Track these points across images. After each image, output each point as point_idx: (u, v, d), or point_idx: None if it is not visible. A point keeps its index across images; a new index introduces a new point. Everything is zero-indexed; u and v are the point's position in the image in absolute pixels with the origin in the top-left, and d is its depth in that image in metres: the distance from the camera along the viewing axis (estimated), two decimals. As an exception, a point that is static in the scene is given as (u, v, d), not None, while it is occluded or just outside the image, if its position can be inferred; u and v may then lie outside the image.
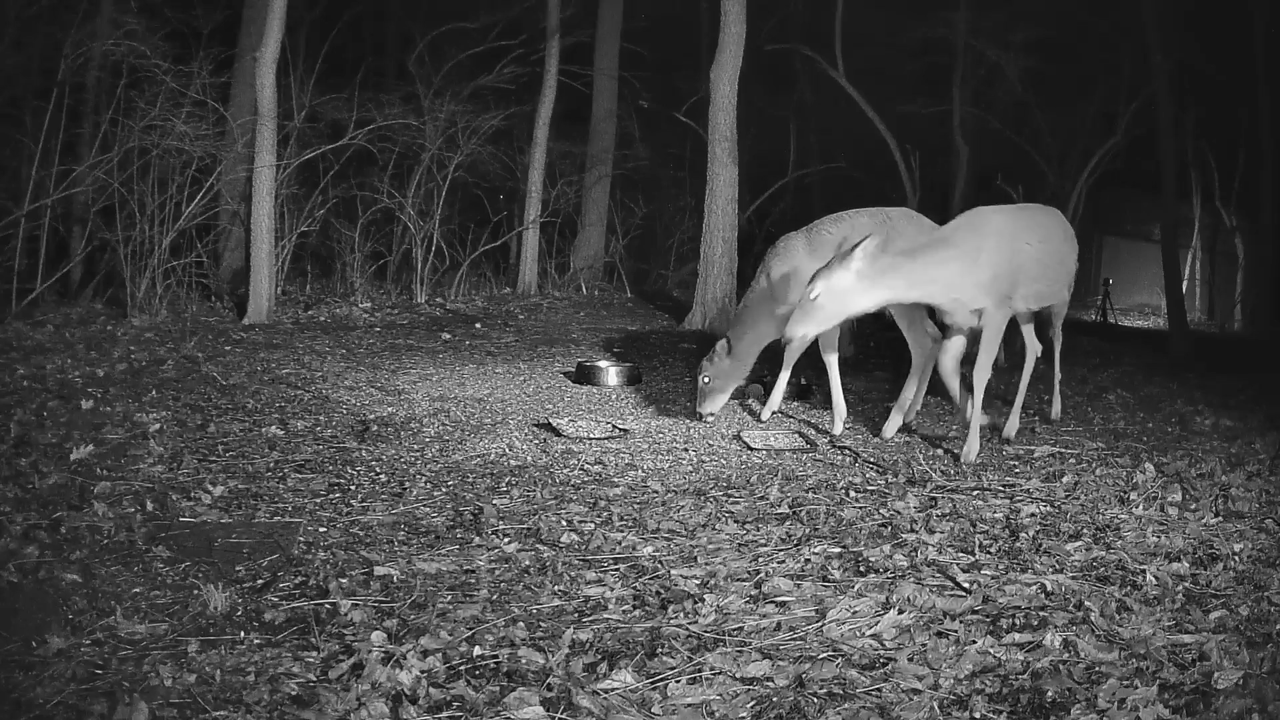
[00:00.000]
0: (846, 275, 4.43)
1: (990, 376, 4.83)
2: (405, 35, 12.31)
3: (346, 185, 9.97)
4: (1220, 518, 3.73)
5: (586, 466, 4.44)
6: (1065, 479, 4.30)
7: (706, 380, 5.41)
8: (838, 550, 3.29)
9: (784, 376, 5.69)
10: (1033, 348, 5.52)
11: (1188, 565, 3.14)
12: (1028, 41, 12.78)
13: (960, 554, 3.26)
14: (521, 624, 2.63)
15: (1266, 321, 15.42)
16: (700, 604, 2.81)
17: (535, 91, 11.11)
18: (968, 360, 4.90)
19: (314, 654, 2.42)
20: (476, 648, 2.47)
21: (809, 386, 6.56)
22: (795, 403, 6.19)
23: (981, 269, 4.63)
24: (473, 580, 3.00)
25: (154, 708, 2.13)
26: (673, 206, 13.20)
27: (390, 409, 5.37)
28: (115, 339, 6.78)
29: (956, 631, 2.60)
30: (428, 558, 3.16)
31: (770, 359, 5.73)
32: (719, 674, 2.38)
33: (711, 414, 5.48)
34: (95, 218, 8.31)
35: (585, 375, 6.52)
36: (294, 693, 2.24)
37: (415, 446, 4.64)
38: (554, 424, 5.18)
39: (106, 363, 5.90)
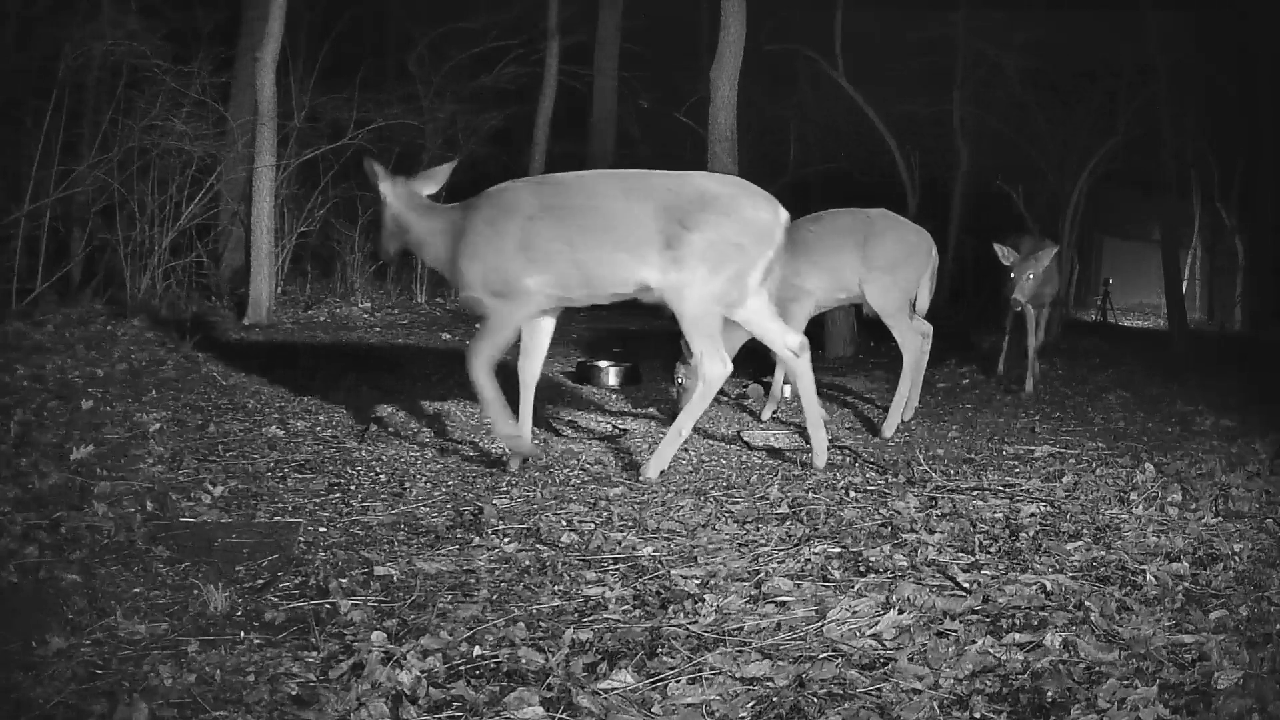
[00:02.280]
0: None
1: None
2: (405, 35, 12.31)
3: (346, 185, 9.97)
4: (1220, 518, 3.73)
5: (586, 466, 4.44)
6: (1065, 479, 4.30)
7: (680, 381, 5.40)
8: (838, 550, 3.29)
9: (779, 376, 5.69)
10: (783, 356, 4.57)
11: (1188, 565, 3.14)
12: (1028, 41, 12.77)
13: (960, 554, 3.26)
14: (521, 624, 2.63)
15: (1266, 321, 15.41)
16: (700, 604, 2.81)
17: (535, 91, 11.10)
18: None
19: (314, 654, 2.42)
20: (476, 648, 2.47)
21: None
22: (795, 403, 6.20)
23: (456, 254, 4.21)
24: (473, 580, 3.00)
25: (154, 708, 2.12)
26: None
27: (390, 409, 5.36)
28: (115, 339, 6.77)
29: (956, 631, 2.60)
30: (428, 558, 3.16)
31: (764, 359, 5.74)
32: (719, 674, 2.37)
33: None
34: (95, 218, 8.30)
35: (585, 375, 6.52)
36: (294, 693, 2.24)
37: (415, 446, 4.64)
38: (555, 424, 5.18)
39: (106, 363, 5.89)
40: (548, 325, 4.49)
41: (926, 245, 5.38)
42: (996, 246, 6.64)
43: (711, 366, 4.16)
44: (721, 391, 5.53)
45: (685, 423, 4.25)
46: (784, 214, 4.22)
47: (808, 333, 5.58)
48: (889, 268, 5.26)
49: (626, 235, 4.09)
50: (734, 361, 5.44)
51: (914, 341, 5.32)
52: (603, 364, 6.59)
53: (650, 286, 4.15)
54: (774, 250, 4.16)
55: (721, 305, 4.15)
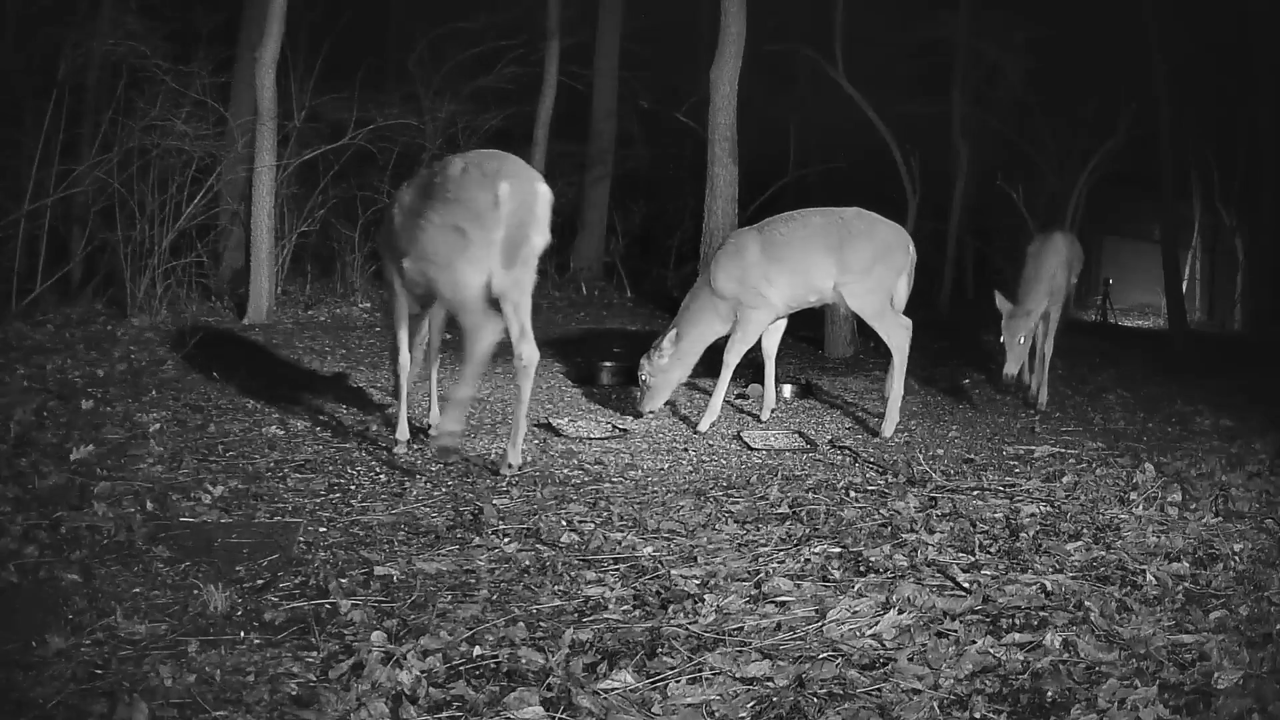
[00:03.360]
0: None
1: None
2: (405, 35, 12.29)
3: (346, 185, 9.95)
4: (1220, 518, 3.73)
5: (586, 466, 4.44)
6: (1065, 479, 4.30)
7: (644, 378, 5.36)
8: (838, 550, 3.29)
9: (770, 375, 5.66)
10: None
11: (1188, 565, 3.14)
12: (1028, 41, 12.77)
13: (960, 554, 3.26)
14: (521, 624, 2.63)
15: (1266, 321, 15.40)
16: (700, 604, 2.81)
17: (535, 91, 11.09)
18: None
19: (314, 654, 2.42)
20: (476, 648, 2.47)
21: (810, 386, 6.56)
22: (794, 402, 6.19)
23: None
24: (473, 580, 3.00)
25: (154, 708, 2.13)
26: (673, 206, 13.20)
27: (390, 409, 5.36)
28: (115, 339, 6.77)
29: (956, 631, 2.60)
30: (428, 558, 3.16)
31: (755, 360, 5.73)
32: (719, 674, 2.38)
33: (652, 411, 5.43)
34: (95, 218, 8.29)
35: (586, 375, 6.52)
36: (294, 693, 2.24)
37: (415, 446, 4.64)
38: (554, 424, 5.18)
39: (106, 363, 5.89)
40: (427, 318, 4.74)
41: (904, 242, 5.34)
42: (998, 295, 6.16)
43: (519, 344, 4.07)
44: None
45: (520, 411, 4.18)
46: (531, 187, 3.94)
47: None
48: (867, 269, 5.21)
49: (403, 222, 4.23)
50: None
51: (901, 339, 5.29)
52: (603, 364, 6.59)
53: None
54: (498, 231, 3.86)
55: (474, 293, 3.91)
